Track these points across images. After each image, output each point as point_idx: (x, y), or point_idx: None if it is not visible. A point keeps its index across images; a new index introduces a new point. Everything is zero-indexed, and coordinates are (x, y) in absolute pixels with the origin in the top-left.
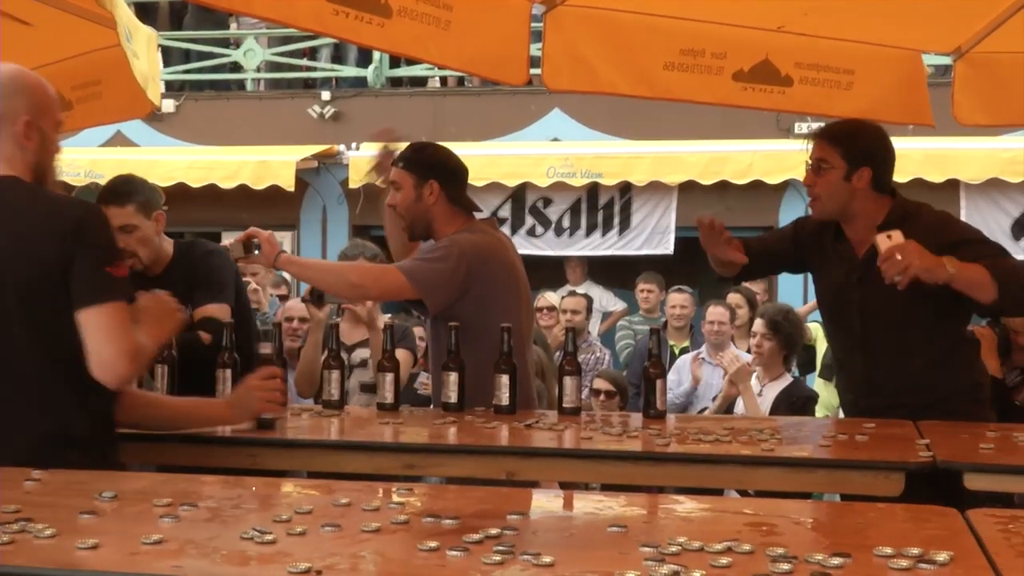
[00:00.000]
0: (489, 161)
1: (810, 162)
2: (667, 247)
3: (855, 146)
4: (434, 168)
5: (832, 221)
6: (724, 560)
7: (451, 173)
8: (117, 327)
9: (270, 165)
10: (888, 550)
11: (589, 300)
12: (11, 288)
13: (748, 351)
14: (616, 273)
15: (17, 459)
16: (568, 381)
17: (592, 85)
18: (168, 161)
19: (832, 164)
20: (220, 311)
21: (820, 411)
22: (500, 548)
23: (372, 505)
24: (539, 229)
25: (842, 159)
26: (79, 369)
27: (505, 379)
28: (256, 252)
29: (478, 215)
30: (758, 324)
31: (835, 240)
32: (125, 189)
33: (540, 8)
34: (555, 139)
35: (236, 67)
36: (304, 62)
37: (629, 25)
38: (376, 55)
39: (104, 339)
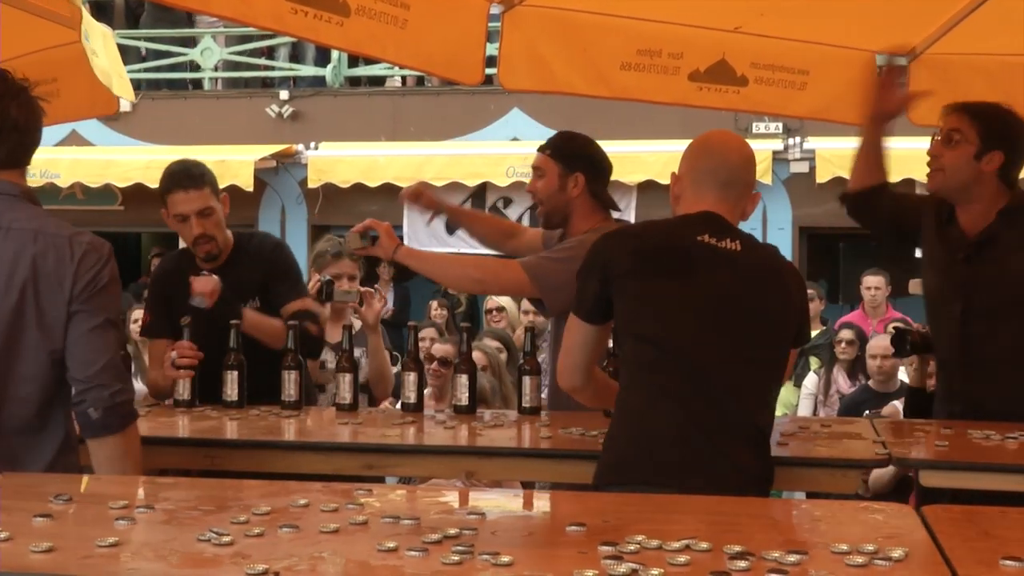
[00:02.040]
0: (449, 161)
1: (939, 134)
2: None
3: (993, 127)
4: (583, 160)
5: (947, 206)
6: (682, 558)
7: (599, 168)
8: None
9: (228, 165)
10: (844, 547)
11: None
12: None
13: None
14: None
15: None
16: (527, 381)
17: (549, 85)
18: (125, 161)
19: (966, 138)
20: (311, 303)
21: (779, 409)
22: (459, 548)
23: (330, 506)
24: None
25: (977, 136)
26: None
27: (464, 379)
28: (372, 243)
29: (615, 214)
30: None
31: (947, 223)
32: (198, 171)
33: (499, 8)
34: (515, 139)
35: (193, 66)
36: (262, 61)
37: (586, 25)
38: (335, 54)
39: None
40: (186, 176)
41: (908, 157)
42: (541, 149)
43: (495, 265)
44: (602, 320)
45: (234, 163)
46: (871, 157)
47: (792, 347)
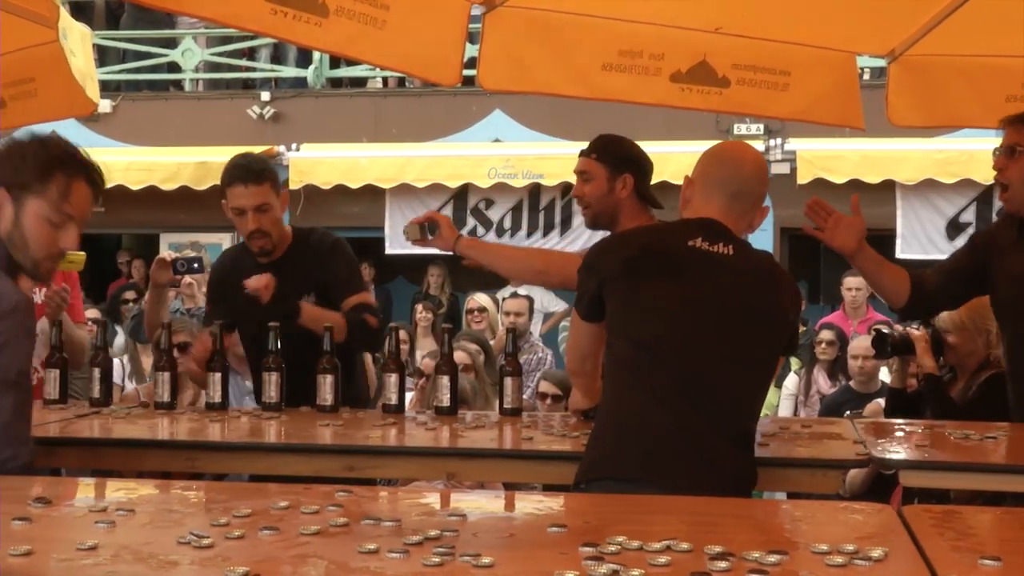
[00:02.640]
0: (431, 162)
1: (1000, 148)
2: None
3: None
4: (630, 162)
5: (1014, 221)
6: (663, 559)
7: (645, 168)
8: None
9: (209, 166)
10: (824, 547)
11: (531, 301)
12: None
13: None
14: None
15: None
16: (509, 382)
17: (528, 85)
18: (105, 162)
19: None
20: (370, 297)
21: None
22: (439, 550)
23: (311, 508)
24: (481, 230)
25: None
26: None
27: (445, 380)
28: (431, 235)
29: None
30: None
31: (1019, 233)
32: (260, 166)
33: (480, 9)
34: (496, 140)
35: (174, 67)
36: (243, 62)
37: (568, 26)
38: (316, 55)
39: None
40: (247, 171)
41: (890, 158)
42: (585, 153)
43: (558, 257)
44: (598, 319)
45: (215, 164)
46: (877, 278)
47: (782, 354)
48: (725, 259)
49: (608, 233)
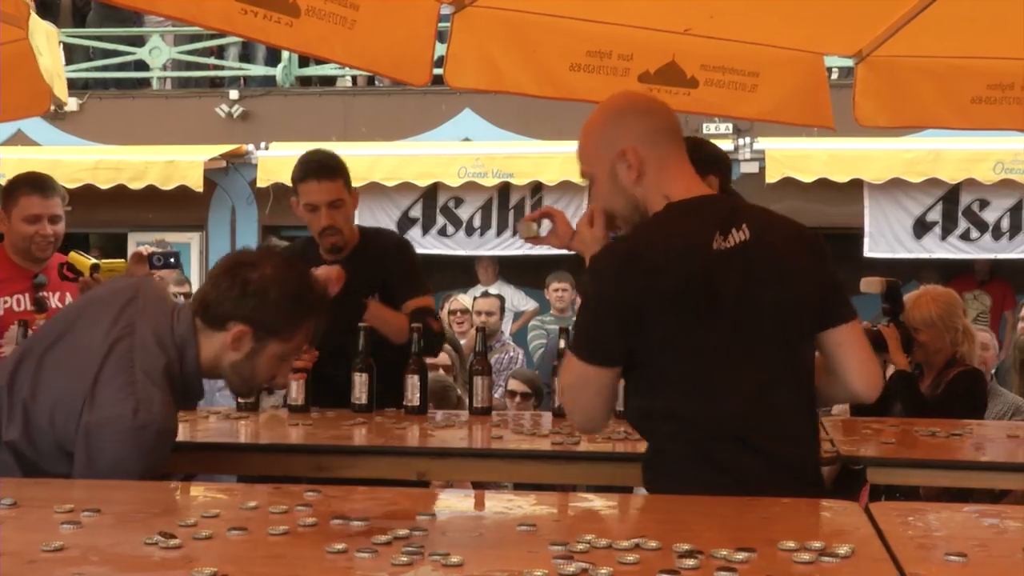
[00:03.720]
0: (400, 161)
1: None
2: None
3: None
4: (716, 162)
5: None
6: (631, 557)
7: (727, 167)
8: None
9: (178, 165)
10: (792, 544)
11: (502, 300)
12: None
13: None
14: (527, 273)
15: None
16: (479, 381)
17: (497, 85)
18: (72, 161)
19: None
20: (432, 301)
21: None
22: (408, 549)
23: (280, 508)
24: (450, 229)
25: None
26: None
27: (416, 379)
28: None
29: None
30: None
31: None
32: (334, 162)
33: (449, 8)
34: (466, 139)
35: (142, 65)
36: (212, 61)
37: (536, 26)
38: (285, 54)
39: None
40: (321, 166)
41: (858, 157)
42: None
43: None
44: (622, 362)
45: (183, 163)
46: None
47: (821, 328)
48: (744, 249)
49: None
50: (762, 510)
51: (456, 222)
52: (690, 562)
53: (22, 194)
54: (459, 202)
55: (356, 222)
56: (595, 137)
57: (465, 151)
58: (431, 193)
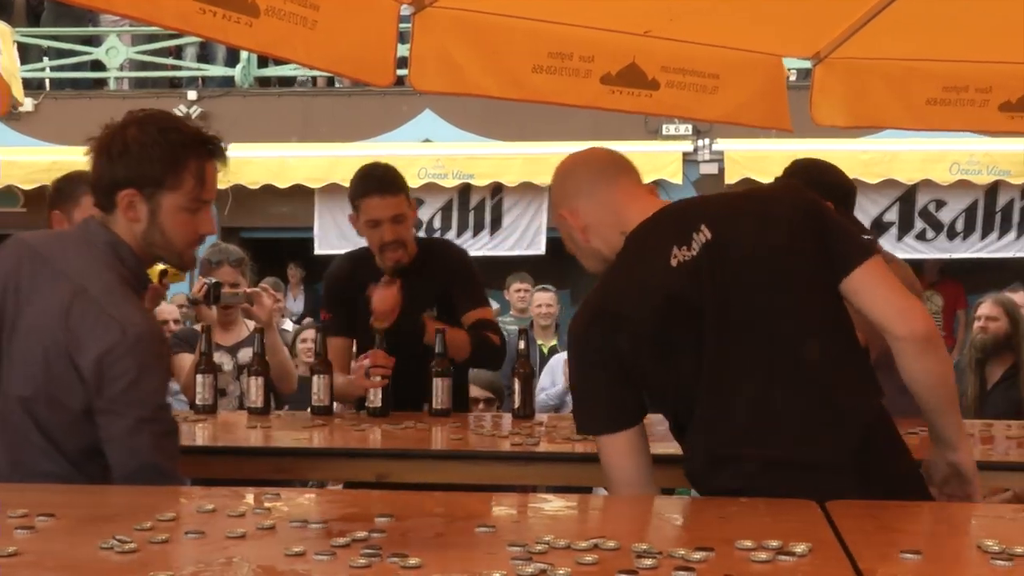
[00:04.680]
0: (360, 162)
1: None
2: (539, 247)
3: None
4: (835, 189)
5: None
6: (590, 557)
7: (849, 194)
8: None
9: None
10: (749, 543)
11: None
12: None
13: None
14: (488, 274)
15: None
16: (438, 383)
17: (460, 87)
18: (28, 162)
19: None
20: (492, 313)
21: None
22: (367, 551)
23: (238, 511)
24: None
25: None
26: None
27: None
28: None
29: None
30: None
31: None
32: (394, 176)
33: (409, 9)
34: (427, 140)
35: (98, 65)
36: (170, 61)
37: (498, 27)
38: (244, 54)
39: None
40: (383, 181)
41: (816, 158)
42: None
43: None
44: (639, 420)
45: None
46: None
47: (832, 285)
48: (710, 252)
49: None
50: (719, 509)
51: (417, 224)
52: (648, 562)
53: (84, 193)
54: (419, 203)
55: (317, 223)
56: (552, 211)
57: (425, 152)
58: None
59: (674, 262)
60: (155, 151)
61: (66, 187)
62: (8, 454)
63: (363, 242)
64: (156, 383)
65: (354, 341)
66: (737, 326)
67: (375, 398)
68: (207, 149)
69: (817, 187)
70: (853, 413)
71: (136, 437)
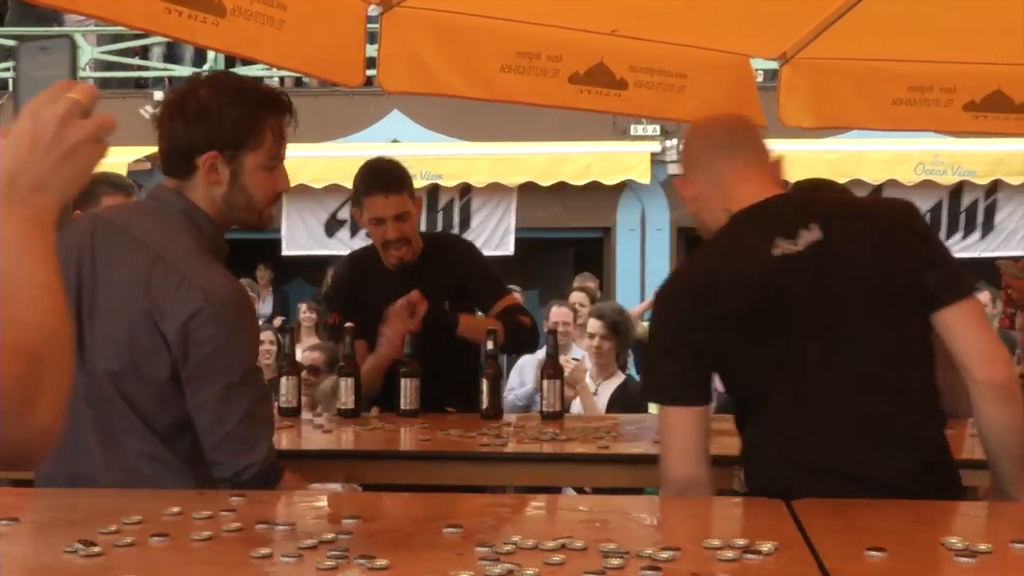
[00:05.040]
0: (328, 163)
1: None
2: (507, 247)
3: None
4: None
5: None
6: (557, 558)
7: None
8: None
9: (101, 166)
10: (716, 542)
11: None
12: None
13: (585, 350)
14: None
15: None
16: (407, 384)
17: (429, 87)
18: None
19: None
20: (516, 298)
21: (657, 407)
22: (334, 553)
23: (204, 514)
24: None
25: None
26: None
27: (350, 382)
28: None
29: None
30: (596, 325)
31: None
32: (398, 173)
33: (377, 9)
34: (395, 140)
35: None
36: (136, 61)
37: (466, 27)
38: (211, 54)
39: None
40: (388, 179)
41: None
42: None
43: None
44: (703, 401)
45: (107, 164)
46: None
47: (923, 314)
48: (817, 253)
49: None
50: (687, 509)
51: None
52: (615, 562)
53: (104, 193)
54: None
55: (284, 224)
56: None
57: (394, 152)
58: None
59: (776, 252)
60: (234, 111)
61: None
62: (98, 433)
63: (333, 244)
64: (244, 348)
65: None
66: (826, 331)
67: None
68: (282, 104)
69: None
70: (918, 439)
71: (225, 404)
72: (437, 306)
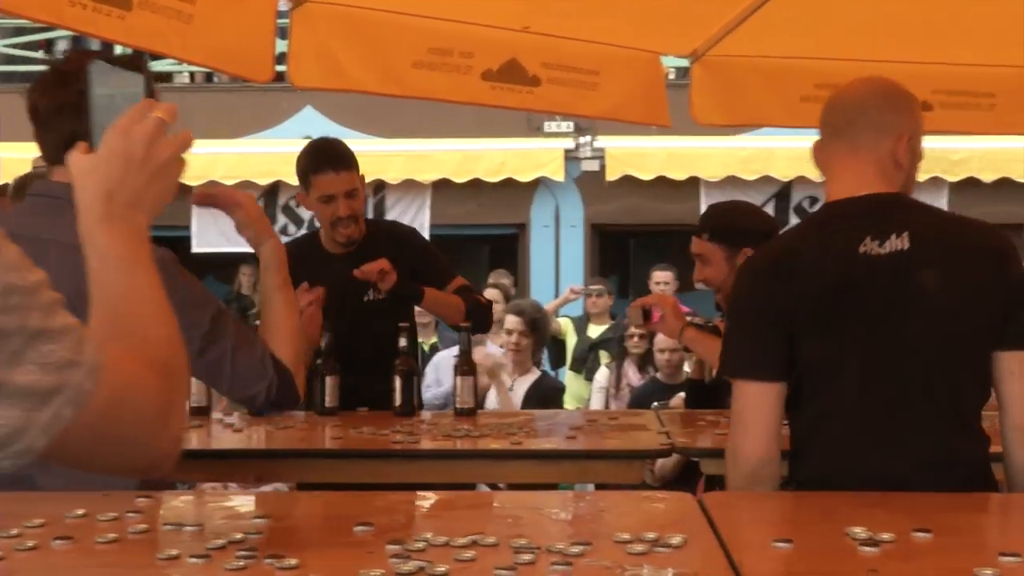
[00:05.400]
0: (240, 159)
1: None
2: None
3: None
4: (748, 235)
5: None
6: (469, 554)
7: (765, 236)
8: None
9: (3, 163)
10: (626, 536)
11: None
12: None
13: (500, 346)
14: None
15: None
16: (328, 381)
17: (341, 83)
18: None
19: None
20: (464, 280)
21: (571, 403)
22: (243, 553)
23: (109, 515)
24: (292, 228)
25: None
26: None
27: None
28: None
29: None
30: (515, 321)
31: None
32: (345, 151)
33: (287, 4)
34: (307, 137)
35: None
36: (40, 55)
37: (377, 23)
38: (118, 49)
39: None
40: (336, 156)
41: (695, 155)
42: (697, 232)
43: None
44: (780, 378)
45: (10, 161)
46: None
47: (991, 349)
48: (900, 262)
49: None
50: (597, 503)
51: (298, 221)
52: (527, 557)
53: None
54: None
55: (194, 221)
56: None
57: None
58: (272, 192)
59: (862, 250)
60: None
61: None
62: None
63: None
64: (197, 299)
65: None
66: (893, 338)
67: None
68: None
69: (736, 235)
70: (964, 461)
71: (210, 355)
72: (417, 284)
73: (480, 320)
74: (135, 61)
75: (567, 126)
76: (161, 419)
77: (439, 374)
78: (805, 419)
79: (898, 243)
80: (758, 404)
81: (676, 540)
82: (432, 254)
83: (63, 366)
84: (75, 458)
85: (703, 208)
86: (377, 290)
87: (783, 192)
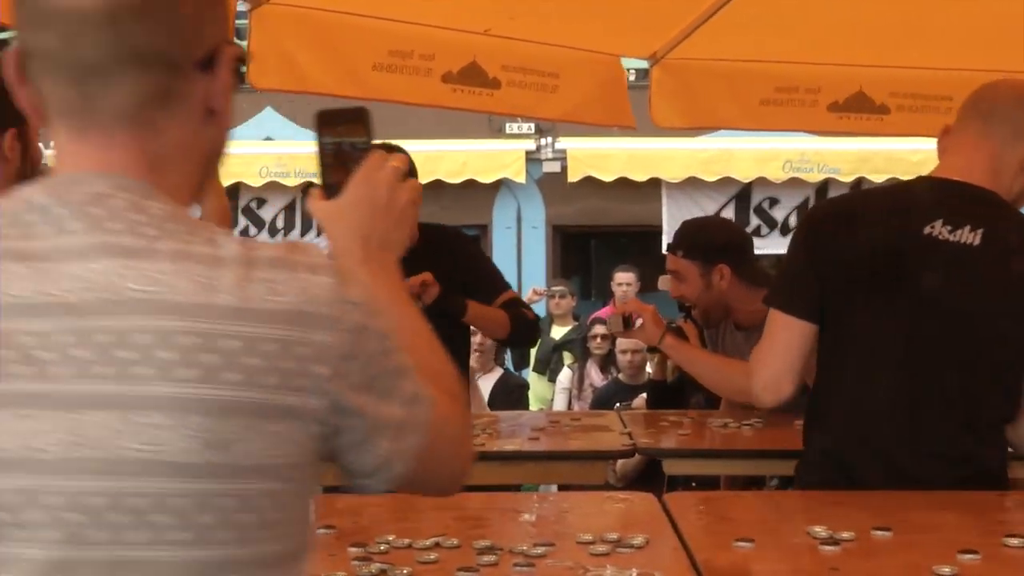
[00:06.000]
0: None
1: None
2: None
3: None
4: (722, 251)
5: None
6: (432, 556)
7: (740, 251)
8: None
9: None
10: (589, 536)
11: None
12: None
13: None
14: None
15: None
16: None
17: (300, 85)
18: None
19: None
20: (515, 294)
21: (535, 403)
22: None
23: None
24: (252, 230)
25: None
26: None
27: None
28: (633, 327)
29: None
30: None
31: None
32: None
33: (245, 5)
34: (268, 138)
35: None
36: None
37: (337, 25)
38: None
39: None
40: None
41: (656, 157)
42: (671, 249)
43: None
44: (815, 319)
45: None
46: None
47: None
48: (967, 252)
49: None
50: (560, 504)
51: (259, 223)
52: (489, 558)
53: None
54: (261, 203)
55: None
56: None
57: (267, 151)
58: (232, 193)
59: (927, 230)
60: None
61: None
62: None
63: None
64: None
65: None
66: (936, 328)
67: None
68: None
69: (710, 251)
70: (981, 460)
71: None
72: (448, 290)
73: (524, 336)
74: (359, 113)
75: (528, 127)
76: (466, 442)
77: None
78: (830, 389)
79: (970, 237)
80: (785, 334)
81: (638, 540)
82: (488, 264)
83: (413, 400)
84: (416, 482)
85: (664, 209)
86: (420, 301)
87: (743, 193)
